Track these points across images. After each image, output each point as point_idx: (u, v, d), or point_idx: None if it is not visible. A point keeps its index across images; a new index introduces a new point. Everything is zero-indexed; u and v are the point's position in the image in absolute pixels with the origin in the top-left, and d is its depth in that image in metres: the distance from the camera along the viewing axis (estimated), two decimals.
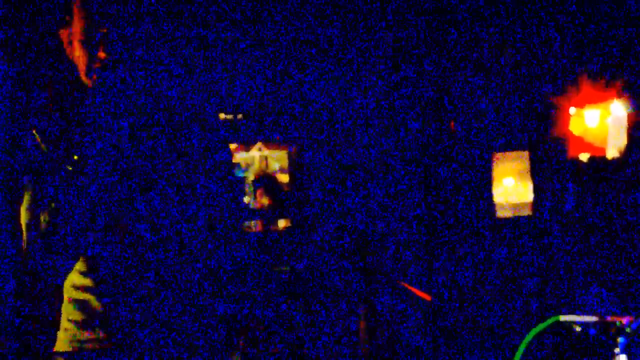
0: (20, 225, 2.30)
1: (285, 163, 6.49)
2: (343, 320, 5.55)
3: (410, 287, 5.40)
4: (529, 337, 4.87)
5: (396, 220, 5.76)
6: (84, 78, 2.37)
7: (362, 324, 5.36)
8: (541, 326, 4.87)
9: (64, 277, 2.31)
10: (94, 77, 2.36)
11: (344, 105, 5.96)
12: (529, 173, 5.71)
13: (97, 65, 2.36)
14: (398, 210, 5.77)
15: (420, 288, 5.56)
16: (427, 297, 5.32)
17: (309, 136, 6.10)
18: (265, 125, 6.22)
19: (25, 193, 2.33)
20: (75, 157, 2.29)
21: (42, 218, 2.27)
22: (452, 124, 5.80)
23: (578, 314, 4.94)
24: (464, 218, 5.73)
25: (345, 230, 5.69)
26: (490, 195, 5.78)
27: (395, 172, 5.80)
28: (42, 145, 2.32)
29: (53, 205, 2.25)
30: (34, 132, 2.34)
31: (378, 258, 5.66)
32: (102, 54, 2.36)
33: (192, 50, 5.56)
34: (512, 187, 5.76)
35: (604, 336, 4.76)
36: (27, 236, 2.30)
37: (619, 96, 5.33)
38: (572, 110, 5.51)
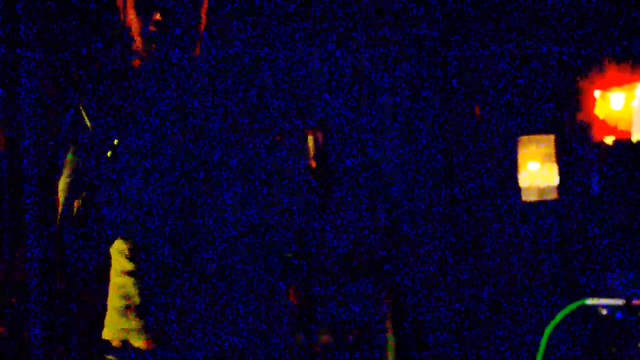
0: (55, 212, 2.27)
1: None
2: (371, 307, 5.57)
3: None
4: (555, 321, 4.88)
5: (420, 208, 5.77)
6: (138, 44, 2.31)
7: (388, 314, 5.38)
8: (567, 309, 4.88)
9: (98, 263, 2.29)
10: (152, 45, 2.30)
11: (370, 89, 5.96)
12: (554, 157, 5.70)
13: (152, 28, 2.30)
14: (422, 198, 5.78)
15: (445, 274, 5.58)
16: None
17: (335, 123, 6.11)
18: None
19: (64, 169, 2.30)
20: (115, 142, 2.23)
21: (75, 203, 2.22)
22: (477, 108, 5.79)
23: (604, 298, 4.95)
24: (489, 202, 5.73)
25: (371, 214, 5.71)
26: (516, 179, 5.78)
27: (419, 158, 5.81)
28: (87, 121, 2.26)
29: (84, 194, 2.20)
30: (80, 106, 2.29)
31: (402, 247, 5.68)
32: (157, 16, 2.28)
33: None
34: (537, 170, 5.76)
35: (630, 319, 4.76)
36: (61, 220, 2.26)
37: None
38: (597, 93, 5.49)
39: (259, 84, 2.41)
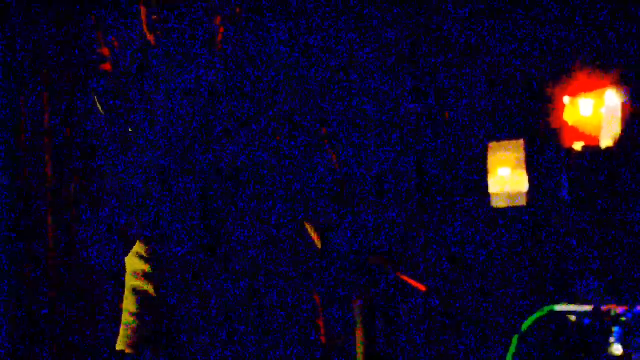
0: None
1: None
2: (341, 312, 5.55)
3: (405, 278, 5.40)
4: (524, 327, 4.87)
5: (389, 210, 5.75)
6: (146, 32, 2.29)
7: (359, 319, 5.35)
8: (536, 316, 4.87)
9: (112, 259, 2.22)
10: (157, 32, 2.27)
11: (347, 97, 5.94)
12: (524, 162, 5.70)
13: (155, 18, 2.28)
14: (392, 200, 5.76)
15: (414, 279, 5.56)
16: (422, 288, 5.32)
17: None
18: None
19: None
20: (130, 130, 2.19)
21: (72, 186, 2.19)
22: (447, 113, 5.78)
23: (573, 304, 4.94)
24: (459, 208, 5.72)
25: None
26: (485, 185, 5.77)
27: (388, 163, 5.79)
28: (100, 107, 2.22)
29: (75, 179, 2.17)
30: (92, 93, 2.25)
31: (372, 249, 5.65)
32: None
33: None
34: (507, 176, 5.75)
35: (598, 326, 4.76)
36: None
37: (614, 85, 5.32)
38: (567, 99, 5.49)
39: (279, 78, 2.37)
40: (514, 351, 4.84)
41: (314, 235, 5.32)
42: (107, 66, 2.32)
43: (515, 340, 4.86)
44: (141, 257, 2.25)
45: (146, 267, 2.23)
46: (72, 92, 5.01)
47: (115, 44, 2.25)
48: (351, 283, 5.21)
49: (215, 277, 2.23)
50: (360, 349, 5.29)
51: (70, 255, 4.65)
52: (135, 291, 2.26)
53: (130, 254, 2.26)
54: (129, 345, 2.27)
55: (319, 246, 5.29)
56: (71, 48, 5.16)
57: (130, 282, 2.28)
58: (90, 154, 4.45)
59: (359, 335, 5.31)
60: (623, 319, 4.67)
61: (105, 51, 2.30)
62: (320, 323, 4.96)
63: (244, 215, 2.27)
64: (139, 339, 2.25)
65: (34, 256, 4.74)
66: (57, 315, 4.79)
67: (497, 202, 5.71)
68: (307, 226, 5.34)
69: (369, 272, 5.48)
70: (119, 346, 2.29)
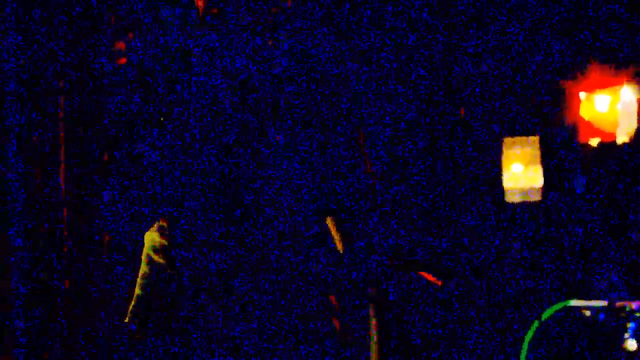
0: None
1: None
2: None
3: (422, 274, 5.40)
4: (544, 317, 4.87)
5: (405, 206, 5.76)
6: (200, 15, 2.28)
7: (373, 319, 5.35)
8: (551, 311, 4.88)
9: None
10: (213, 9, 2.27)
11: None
12: (539, 158, 5.70)
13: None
14: (407, 196, 5.77)
15: (429, 274, 5.56)
16: (439, 283, 5.32)
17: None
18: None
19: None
20: (161, 119, 2.20)
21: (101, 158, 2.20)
22: (462, 110, 5.79)
23: (588, 299, 4.94)
24: (473, 203, 5.72)
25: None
26: (500, 181, 5.77)
27: (403, 159, 5.80)
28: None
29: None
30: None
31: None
32: None
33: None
34: (521, 172, 5.75)
35: (613, 321, 4.76)
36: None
37: (630, 81, 5.32)
38: (583, 95, 5.49)
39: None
40: (529, 344, 4.84)
41: (336, 237, 5.35)
42: (123, 60, 2.34)
43: (529, 335, 4.87)
44: (162, 232, 2.27)
45: (165, 241, 2.26)
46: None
47: (130, 35, 2.27)
48: (368, 282, 5.23)
49: (234, 262, 2.25)
50: (373, 349, 5.30)
51: (87, 232, 4.66)
52: (152, 263, 2.29)
53: (151, 229, 2.29)
54: (136, 319, 2.30)
55: (340, 249, 5.30)
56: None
57: (148, 255, 2.31)
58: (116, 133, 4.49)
59: (373, 335, 5.32)
60: (638, 314, 4.68)
61: (122, 45, 2.32)
62: (336, 323, 4.98)
63: (268, 206, 2.29)
64: (146, 313, 2.28)
65: (51, 232, 4.76)
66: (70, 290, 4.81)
67: (512, 197, 5.72)
68: (330, 226, 5.36)
69: (385, 274, 5.49)
70: (127, 319, 2.32)
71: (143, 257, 2.33)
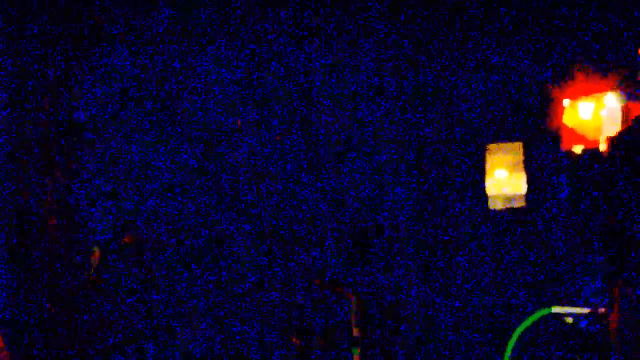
0: None
1: None
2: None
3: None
4: (521, 328, 4.87)
5: (390, 211, 5.75)
6: None
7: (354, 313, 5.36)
8: (533, 317, 4.87)
9: None
10: None
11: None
12: (522, 165, 5.70)
13: None
14: (392, 201, 5.76)
15: (416, 279, 5.57)
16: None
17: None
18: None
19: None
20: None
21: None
22: (446, 115, 5.79)
23: (570, 306, 4.94)
24: (457, 210, 5.72)
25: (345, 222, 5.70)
26: (483, 187, 5.77)
27: (388, 165, 5.79)
28: None
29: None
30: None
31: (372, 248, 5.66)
32: None
33: None
34: (505, 178, 5.75)
35: (595, 327, 4.76)
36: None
37: (614, 88, 5.33)
38: (566, 102, 5.50)
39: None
40: (512, 351, 4.84)
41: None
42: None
43: (512, 341, 4.86)
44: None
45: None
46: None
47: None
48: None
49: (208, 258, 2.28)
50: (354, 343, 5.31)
51: (67, 224, 4.64)
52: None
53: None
54: (99, 274, 2.32)
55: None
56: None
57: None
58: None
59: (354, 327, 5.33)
60: None
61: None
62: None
63: (246, 209, 2.31)
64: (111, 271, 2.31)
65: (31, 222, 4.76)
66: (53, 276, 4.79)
67: (495, 204, 5.72)
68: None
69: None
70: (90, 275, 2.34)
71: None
